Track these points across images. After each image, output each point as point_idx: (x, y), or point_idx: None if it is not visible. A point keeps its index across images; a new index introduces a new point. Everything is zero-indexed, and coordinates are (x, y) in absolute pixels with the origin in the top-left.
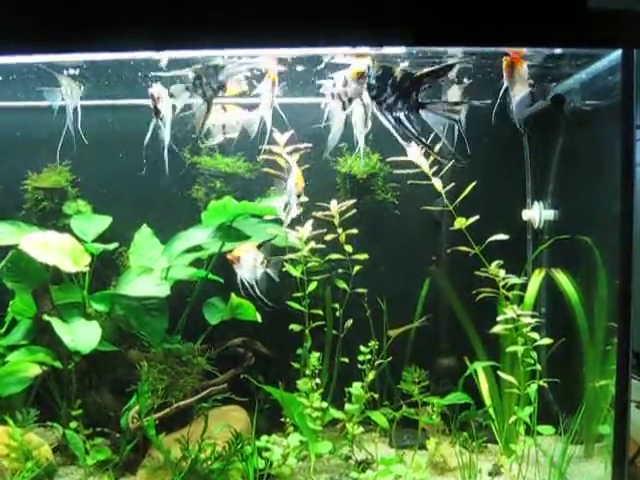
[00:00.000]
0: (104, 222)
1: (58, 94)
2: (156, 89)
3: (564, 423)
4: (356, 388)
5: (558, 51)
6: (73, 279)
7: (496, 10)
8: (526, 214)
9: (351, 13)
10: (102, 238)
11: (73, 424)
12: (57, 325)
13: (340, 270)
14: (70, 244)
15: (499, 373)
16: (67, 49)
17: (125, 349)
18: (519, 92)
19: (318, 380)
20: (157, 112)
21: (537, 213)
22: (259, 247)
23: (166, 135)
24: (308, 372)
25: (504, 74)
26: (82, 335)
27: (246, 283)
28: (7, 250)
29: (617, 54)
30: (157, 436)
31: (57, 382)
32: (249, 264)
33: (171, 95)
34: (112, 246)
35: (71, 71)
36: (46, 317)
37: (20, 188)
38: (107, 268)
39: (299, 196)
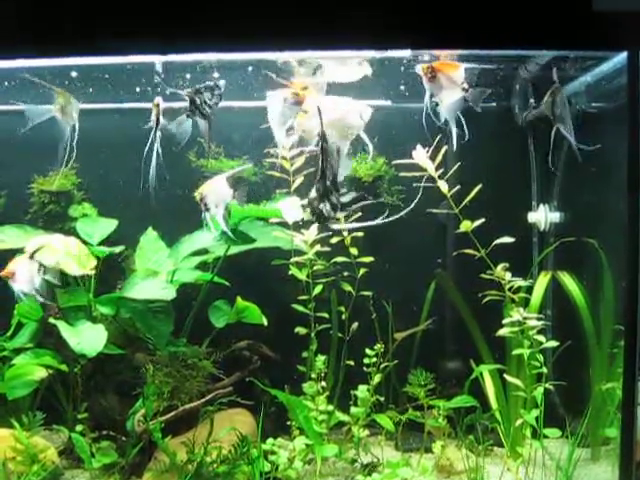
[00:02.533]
0: (110, 225)
1: (44, 112)
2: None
3: (570, 426)
4: (362, 391)
5: (562, 54)
6: (79, 282)
7: (499, 12)
8: (532, 216)
9: (354, 16)
10: (108, 241)
11: (79, 427)
12: (63, 328)
13: (346, 273)
14: (76, 247)
15: (505, 376)
16: (68, 53)
17: (131, 352)
18: (448, 97)
19: (324, 383)
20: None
21: (543, 215)
22: (31, 256)
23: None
24: (314, 375)
25: (424, 80)
26: (88, 338)
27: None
28: (14, 253)
29: (622, 56)
30: (163, 439)
31: (63, 385)
32: (25, 276)
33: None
34: (118, 249)
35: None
36: (52, 320)
37: (26, 192)
38: (113, 271)
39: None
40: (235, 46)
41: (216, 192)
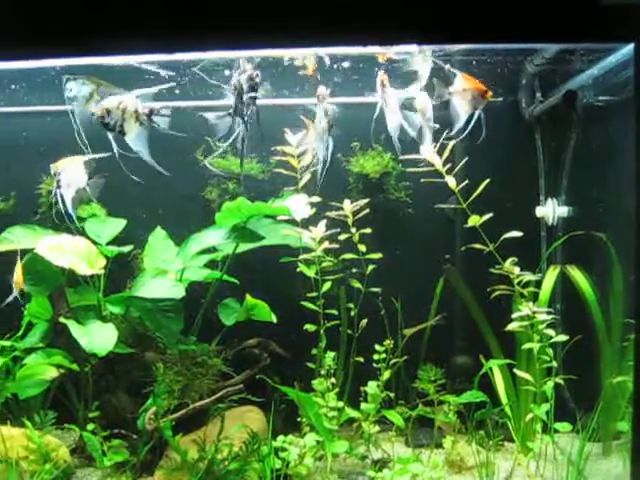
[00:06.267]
0: (118, 225)
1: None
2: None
3: (581, 420)
4: (372, 387)
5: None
6: (88, 282)
7: (505, 6)
8: (540, 211)
9: (360, 11)
10: (116, 240)
11: (90, 426)
12: (73, 327)
13: (354, 270)
14: (85, 247)
15: (515, 371)
16: (73, 53)
17: (141, 351)
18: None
19: (334, 380)
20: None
21: (551, 210)
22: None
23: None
24: (323, 372)
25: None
26: (99, 337)
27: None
28: (23, 254)
29: (629, 48)
30: (174, 437)
31: (74, 384)
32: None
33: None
34: (127, 248)
35: None
36: (62, 320)
37: (35, 192)
38: (122, 270)
39: None
40: (243, 44)
41: (71, 172)
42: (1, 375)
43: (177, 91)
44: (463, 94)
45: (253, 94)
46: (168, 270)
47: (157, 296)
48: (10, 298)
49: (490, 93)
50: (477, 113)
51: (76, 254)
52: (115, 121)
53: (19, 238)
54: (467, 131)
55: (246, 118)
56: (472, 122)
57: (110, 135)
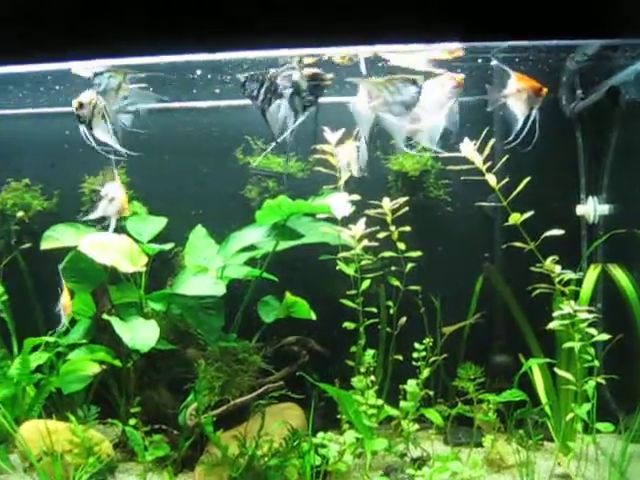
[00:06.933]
0: (159, 223)
1: None
2: None
3: (624, 421)
4: (411, 385)
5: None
6: (130, 279)
7: (539, 3)
8: (580, 209)
9: (400, 10)
10: (157, 238)
11: (132, 421)
12: (116, 324)
13: (393, 268)
14: (127, 245)
15: (555, 370)
16: (120, 54)
17: (182, 347)
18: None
19: (373, 377)
20: None
21: (592, 208)
22: None
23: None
24: (363, 369)
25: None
26: (141, 334)
27: None
28: (67, 251)
29: None
30: (215, 433)
31: (116, 380)
32: None
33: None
34: (168, 246)
35: None
36: (105, 316)
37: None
38: (163, 268)
39: None
40: (278, 43)
41: None
42: (45, 370)
43: (217, 90)
44: (518, 95)
45: (314, 94)
46: (209, 268)
47: (198, 293)
48: (61, 325)
49: (545, 90)
50: (534, 113)
51: (118, 252)
52: (86, 115)
53: (63, 236)
54: (524, 133)
55: (300, 118)
56: (529, 123)
57: (81, 128)
